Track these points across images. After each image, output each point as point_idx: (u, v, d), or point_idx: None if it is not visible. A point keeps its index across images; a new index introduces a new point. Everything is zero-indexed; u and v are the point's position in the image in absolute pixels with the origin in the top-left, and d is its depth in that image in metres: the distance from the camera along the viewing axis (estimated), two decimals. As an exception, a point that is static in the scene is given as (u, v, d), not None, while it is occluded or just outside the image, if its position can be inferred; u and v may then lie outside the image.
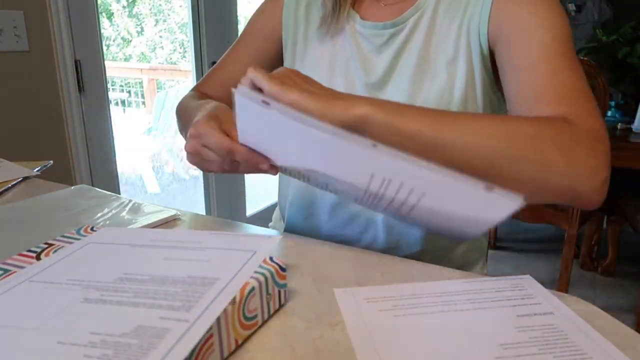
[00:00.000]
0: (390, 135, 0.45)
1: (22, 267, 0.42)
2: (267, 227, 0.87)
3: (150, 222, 0.62)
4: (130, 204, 0.68)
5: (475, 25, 0.62)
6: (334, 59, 0.70)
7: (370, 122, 0.45)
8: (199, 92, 0.80)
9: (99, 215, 0.64)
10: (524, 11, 0.58)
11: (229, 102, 0.53)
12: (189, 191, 3.22)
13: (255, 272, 0.40)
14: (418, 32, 0.65)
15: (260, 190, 2.54)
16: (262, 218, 2.38)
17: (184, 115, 0.73)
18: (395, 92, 0.66)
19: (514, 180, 0.46)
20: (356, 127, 0.44)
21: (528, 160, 0.46)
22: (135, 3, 4.27)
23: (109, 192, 0.73)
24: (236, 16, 2.05)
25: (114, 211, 0.66)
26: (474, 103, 0.64)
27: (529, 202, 0.40)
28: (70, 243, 0.47)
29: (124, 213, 0.65)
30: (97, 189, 0.75)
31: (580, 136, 0.48)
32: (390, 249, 0.69)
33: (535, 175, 0.47)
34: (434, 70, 0.64)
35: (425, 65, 0.64)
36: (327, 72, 0.70)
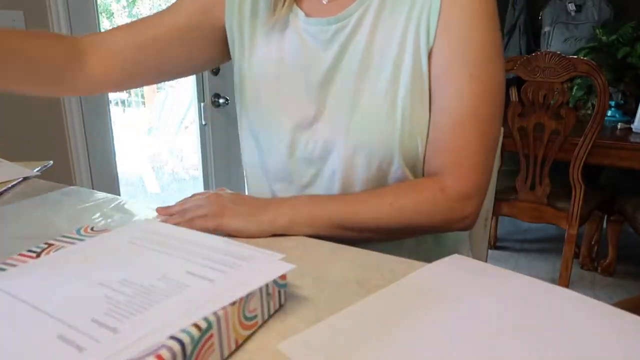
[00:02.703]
0: (310, 230, 0.59)
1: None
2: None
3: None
4: (129, 204, 0.68)
5: (424, 24, 0.62)
6: (281, 56, 0.69)
7: (294, 226, 0.58)
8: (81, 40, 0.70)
9: (98, 215, 0.64)
10: (462, 24, 0.61)
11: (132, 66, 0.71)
12: (189, 191, 3.20)
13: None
14: (363, 27, 0.64)
15: (260, 190, 2.53)
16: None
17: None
18: (340, 89, 0.65)
19: (403, 237, 0.69)
20: (284, 232, 0.58)
21: (411, 227, 0.62)
22: (135, 3, 4.27)
23: (105, 193, 0.73)
24: (236, 16, 2.05)
25: (112, 211, 0.66)
26: (421, 100, 0.63)
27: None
28: (71, 243, 0.47)
29: (122, 213, 0.65)
30: (95, 190, 0.75)
31: (450, 202, 0.61)
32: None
33: (419, 233, 0.69)
34: (380, 65, 0.64)
35: (370, 60, 0.64)
36: (274, 75, 0.69)
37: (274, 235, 0.58)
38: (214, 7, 0.72)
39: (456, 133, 0.62)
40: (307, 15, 0.68)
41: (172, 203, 0.62)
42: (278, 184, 0.73)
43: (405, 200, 0.61)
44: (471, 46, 0.61)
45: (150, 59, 0.72)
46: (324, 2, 0.68)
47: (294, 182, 0.71)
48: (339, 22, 0.65)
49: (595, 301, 0.42)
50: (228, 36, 0.73)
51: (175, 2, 0.73)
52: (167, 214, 0.61)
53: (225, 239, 0.47)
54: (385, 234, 0.63)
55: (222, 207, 0.58)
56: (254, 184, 0.78)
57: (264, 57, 0.70)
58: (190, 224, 0.56)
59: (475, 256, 0.79)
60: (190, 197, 0.63)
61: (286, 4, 0.68)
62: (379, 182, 0.66)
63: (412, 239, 0.71)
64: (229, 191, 0.64)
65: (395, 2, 0.63)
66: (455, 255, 0.52)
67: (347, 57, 0.65)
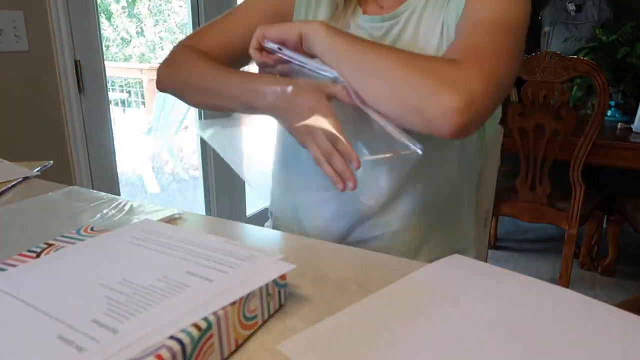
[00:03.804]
0: (328, 49, 0.58)
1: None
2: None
3: (150, 222, 0.62)
4: (129, 205, 0.68)
5: (452, 20, 0.66)
6: None
7: (316, 36, 0.58)
8: (195, 49, 0.76)
9: (98, 216, 0.64)
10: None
11: (226, 62, 0.72)
12: (189, 191, 3.22)
13: (255, 272, 0.40)
14: (410, 24, 0.69)
15: (260, 190, 2.53)
16: (262, 218, 2.37)
17: (198, 76, 0.70)
18: None
19: (383, 84, 0.57)
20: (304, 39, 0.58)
21: (409, 101, 0.55)
22: (135, 3, 4.27)
23: (106, 193, 0.73)
24: (236, 16, 2.05)
25: (113, 211, 0.66)
26: None
27: (384, 111, 0.57)
28: (71, 243, 0.47)
29: (122, 213, 0.65)
30: (95, 190, 0.75)
31: (454, 78, 0.54)
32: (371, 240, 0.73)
33: (415, 106, 0.55)
34: None
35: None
36: None
37: (271, 237, 0.58)
38: (282, 7, 0.78)
39: (478, 34, 0.61)
40: (364, 13, 0.73)
41: (172, 203, 0.62)
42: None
43: (413, 57, 0.57)
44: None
45: (230, 58, 0.76)
46: (379, 7, 0.73)
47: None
48: (391, 20, 0.71)
49: (595, 301, 0.42)
50: None
51: (241, 6, 0.79)
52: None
53: (226, 239, 0.47)
54: (386, 90, 0.57)
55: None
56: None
57: None
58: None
59: (475, 256, 0.79)
60: None
61: (352, 7, 0.73)
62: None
63: (416, 240, 0.71)
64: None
65: (435, 5, 0.68)
66: (455, 255, 0.52)
67: None
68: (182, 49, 0.76)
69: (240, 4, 0.80)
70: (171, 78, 0.75)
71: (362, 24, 0.73)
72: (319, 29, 0.58)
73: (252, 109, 0.64)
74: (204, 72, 0.69)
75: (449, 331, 0.38)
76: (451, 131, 0.53)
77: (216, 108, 0.69)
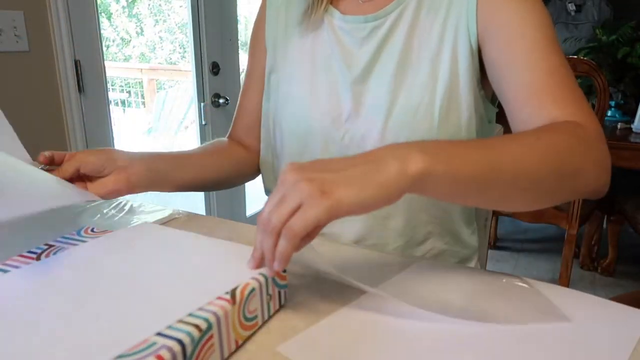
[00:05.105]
0: (450, 185, 0.41)
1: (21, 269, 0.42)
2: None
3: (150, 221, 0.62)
4: (129, 205, 0.68)
5: (463, 23, 0.62)
6: (314, 55, 0.71)
7: (429, 179, 0.39)
8: (235, 141, 0.83)
9: (98, 216, 0.64)
10: (511, 7, 0.59)
11: (259, 145, 0.79)
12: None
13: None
14: (400, 26, 0.65)
15: (260, 190, 2.53)
16: (262, 218, 2.37)
17: None
18: (377, 86, 0.66)
19: (554, 192, 0.49)
20: (413, 191, 0.39)
21: (567, 173, 0.48)
22: (135, 3, 4.27)
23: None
24: (236, 16, 2.05)
25: (113, 211, 0.66)
26: (457, 99, 0.64)
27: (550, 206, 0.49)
28: (71, 244, 0.47)
29: (123, 213, 0.65)
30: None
31: (594, 141, 0.51)
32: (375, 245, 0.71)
33: (572, 184, 0.49)
34: (417, 64, 0.65)
35: (407, 59, 0.65)
36: (309, 67, 0.71)
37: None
38: (259, 32, 0.78)
39: (550, 87, 0.55)
40: (342, 13, 0.69)
41: (171, 203, 0.62)
42: None
43: (550, 136, 0.49)
44: (524, 23, 0.58)
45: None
46: (360, 2, 0.69)
47: None
48: (376, 20, 0.66)
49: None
50: (267, 55, 0.77)
51: (247, 69, 0.82)
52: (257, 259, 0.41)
53: (225, 240, 0.47)
54: (533, 188, 0.47)
55: (318, 183, 0.38)
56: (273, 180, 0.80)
57: (297, 55, 0.72)
58: (289, 237, 0.37)
59: (477, 256, 0.79)
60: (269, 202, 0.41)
61: (324, 4, 0.70)
62: None
63: (428, 243, 0.70)
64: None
65: (432, 2, 0.65)
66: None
67: (384, 55, 0.66)
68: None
69: (247, 72, 0.82)
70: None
71: (342, 24, 0.69)
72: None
73: None
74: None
75: (449, 327, 0.38)
76: (604, 192, 0.52)
77: None
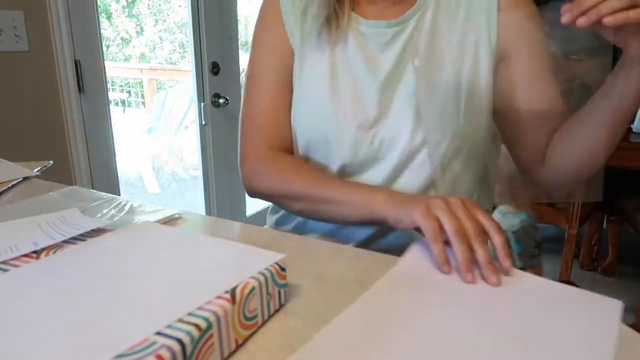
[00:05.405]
0: None
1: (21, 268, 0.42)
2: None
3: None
4: (129, 205, 0.68)
5: (484, 34, 0.66)
6: (333, 63, 0.69)
7: None
8: (274, 151, 0.73)
9: (98, 216, 0.64)
10: (532, 26, 0.66)
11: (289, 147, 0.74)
12: (189, 191, 3.22)
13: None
14: (422, 30, 0.67)
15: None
16: (262, 218, 2.37)
17: (306, 186, 0.66)
18: (404, 90, 0.67)
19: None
20: None
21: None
22: (135, 3, 4.27)
23: (106, 193, 0.73)
24: (236, 16, 2.05)
25: (113, 211, 0.66)
26: (480, 103, 0.68)
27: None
28: (71, 243, 0.47)
29: (123, 213, 0.65)
30: (95, 190, 0.75)
31: None
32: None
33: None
34: (441, 67, 0.66)
35: (432, 62, 0.66)
36: (328, 76, 0.69)
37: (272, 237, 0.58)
38: (285, 45, 0.72)
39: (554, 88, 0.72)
40: (364, 18, 0.69)
41: (172, 203, 0.62)
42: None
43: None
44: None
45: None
46: (381, 7, 0.69)
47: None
48: (398, 26, 0.67)
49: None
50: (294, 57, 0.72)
51: (257, 68, 0.74)
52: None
53: (225, 240, 0.47)
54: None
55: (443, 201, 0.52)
56: None
57: (315, 65, 0.70)
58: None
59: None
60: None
61: (348, 14, 0.69)
62: (439, 178, 0.68)
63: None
64: None
65: (447, 8, 0.67)
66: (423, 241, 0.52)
67: (407, 59, 0.67)
68: (268, 155, 0.73)
69: (251, 73, 0.75)
70: (272, 189, 0.71)
71: (364, 30, 0.68)
72: None
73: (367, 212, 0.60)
74: (307, 180, 0.66)
75: (448, 325, 0.38)
76: None
77: (321, 215, 0.66)
